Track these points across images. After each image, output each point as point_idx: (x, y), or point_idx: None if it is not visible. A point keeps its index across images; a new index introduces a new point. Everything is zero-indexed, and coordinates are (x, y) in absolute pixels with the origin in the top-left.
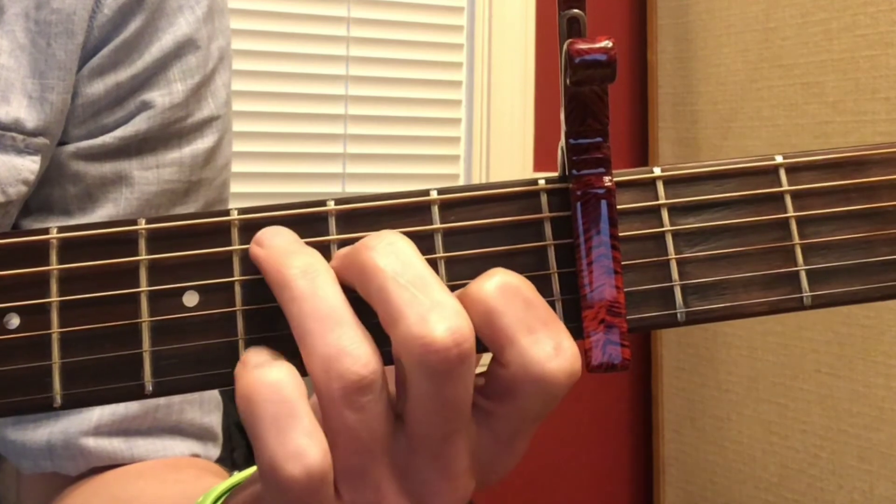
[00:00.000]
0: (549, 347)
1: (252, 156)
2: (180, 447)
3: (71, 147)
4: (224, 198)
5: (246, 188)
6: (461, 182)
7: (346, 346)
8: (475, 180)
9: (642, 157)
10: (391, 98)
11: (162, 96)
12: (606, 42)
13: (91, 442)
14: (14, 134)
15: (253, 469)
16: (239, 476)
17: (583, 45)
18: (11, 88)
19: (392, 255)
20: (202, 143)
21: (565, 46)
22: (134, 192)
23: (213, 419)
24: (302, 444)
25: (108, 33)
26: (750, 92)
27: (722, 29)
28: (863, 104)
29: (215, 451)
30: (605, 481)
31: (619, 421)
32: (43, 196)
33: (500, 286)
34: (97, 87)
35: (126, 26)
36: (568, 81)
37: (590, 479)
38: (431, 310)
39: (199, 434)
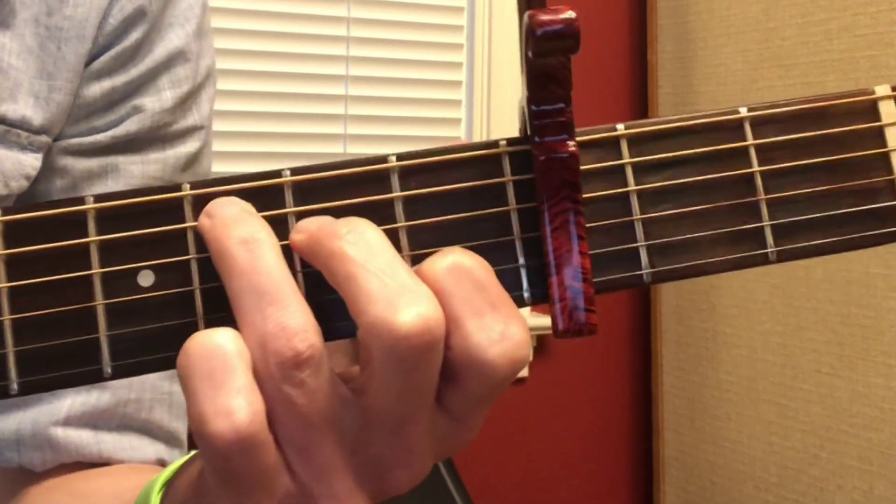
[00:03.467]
0: (494, 333)
1: (252, 156)
2: (148, 450)
3: (61, 143)
4: None
5: None
6: None
7: (283, 320)
8: None
9: None
10: (391, 98)
11: (152, 102)
12: (569, 13)
13: (60, 432)
14: (19, 131)
15: None
16: (192, 454)
17: (545, 17)
18: (19, 88)
19: (361, 244)
20: (185, 148)
21: (525, 17)
22: (119, 182)
23: (181, 426)
24: (232, 402)
25: (111, 40)
26: (750, 92)
27: (722, 29)
28: None
29: (181, 458)
30: (605, 481)
31: (619, 421)
32: (29, 189)
33: (451, 266)
34: (94, 90)
35: (128, 35)
36: (530, 54)
37: (590, 479)
38: (401, 295)
39: (167, 438)
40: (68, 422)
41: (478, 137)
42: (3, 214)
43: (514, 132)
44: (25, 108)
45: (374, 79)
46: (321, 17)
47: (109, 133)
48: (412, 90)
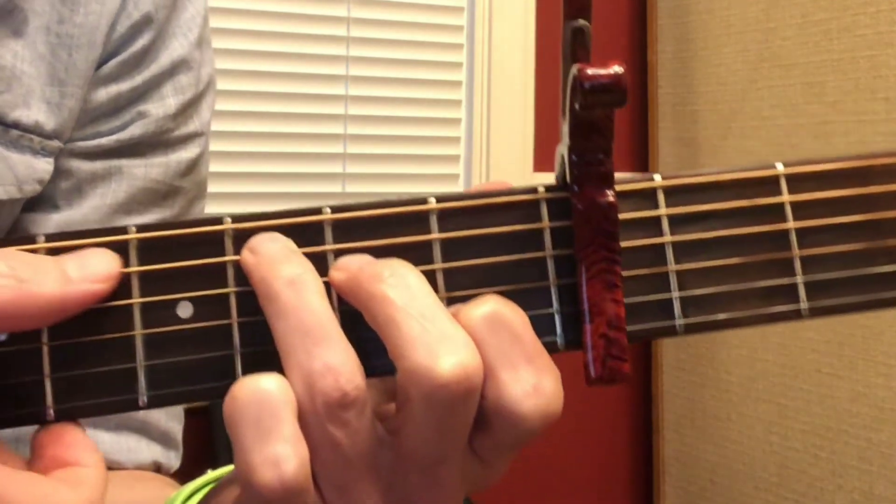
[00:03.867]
0: (528, 385)
1: (252, 156)
2: (145, 452)
3: (66, 146)
4: (193, 212)
5: (246, 188)
6: (461, 181)
7: (329, 361)
8: (475, 180)
9: (642, 157)
10: (391, 98)
11: (156, 108)
12: (616, 67)
13: None
14: (33, 136)
15: (227, 469)
16: (212, 475)
17: (592, 71)
18: (32, 94)
19: (402, 287)
20: (186, 154)
21: (574, 71)
22: (122, 184)
23: (176, 427)
24: (280, 452)
25: (118, 47)
26: (750, 92)
27: (722, 29)
28: (863, 104)
29: (176, 461)
30: (605, 481)
31: (619, 421)
32: None
33: (489, 315)
34: (100, 95)
35: (134, 42)
36: (577, 106)
37: (590, 479)
38: (441, 342)
39: (163, 439)
40: None
41: (477, 137)
42: (47, 241)
43: (514, 132)
44: (38, 114)
45: (374, 79)
46: (321, 17)
47: (114, 137)
48: (412, 90)
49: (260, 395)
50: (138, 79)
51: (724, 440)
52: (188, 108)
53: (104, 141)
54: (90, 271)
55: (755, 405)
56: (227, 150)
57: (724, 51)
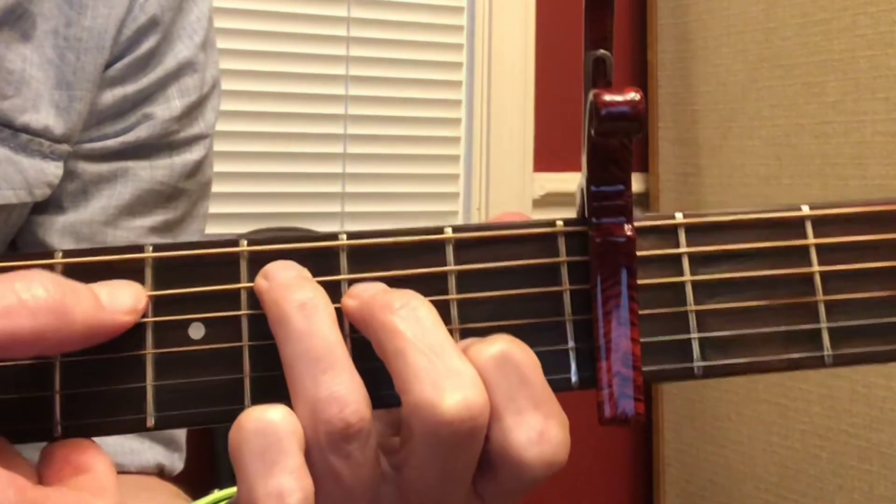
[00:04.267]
0: (533, 433)
1: (252, 156)
2: (148, 453)
3: (73, 148)
4: (197, 213)
5: (246, 188)
6: (461, 181)
7: (335, 390)
8: (475, 180)
9: (642, 157)
10: (391, 98)
11: (161, 110)
12: (633, 94)
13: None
14: (42, 140)
15: (230, 491)
16: (218, 494)
17: (609, 97)
18: (40, 98)
19: (413, 320)
20: (191, 156)
21: (591, 97)
22: (127, 186)
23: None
24: (285, 485)
25: (124, 49)
26: (750, 92)
27: (722, 29)
28: (863, 104)
29: (180, 463)
30: (605, 481)
31: None
32: None
33: (499, 356)
34: (106, 98)
35: (140, 45)
36: (593, 132)
37: (590, 479)
38: (448, 378)
39: (166, 441)
40: None
41: (477, 137)
42: (64, 257)
43: (514, 132)
44: (47, 118)
45: (374, 79)
46: (321, 17)
47: (120, 139)
48: (412, 90)
49: (266, 427)
50: (144, 81)
51: (724, 440)
52: (193, 110)
53: (110, 143)
54: (120, 302)
55: (755, 405)
56: (226, 150)
57: (724, 51)
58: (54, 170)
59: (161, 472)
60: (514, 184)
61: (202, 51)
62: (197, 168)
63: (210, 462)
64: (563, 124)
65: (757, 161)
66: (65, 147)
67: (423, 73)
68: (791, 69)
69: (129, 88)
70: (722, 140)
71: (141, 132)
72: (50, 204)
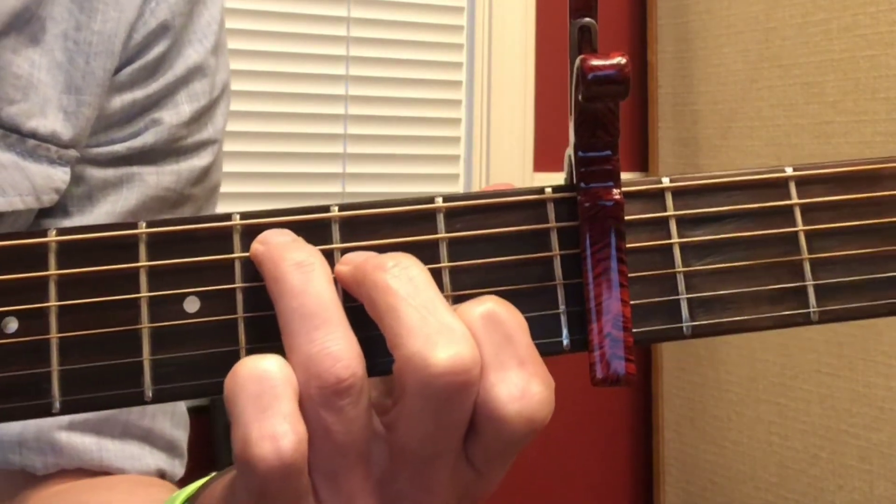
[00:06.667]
0: (515, 389)
1: (252, 156)
2: (149, 459)
3: (80, 153)
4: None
5: (246, 188)
6: (461, 182)
7: (328, 346)
8: (475, 180)
9: (642, 157)
10: (391, 98)
11: (170, 115)
12: (620, 59)
13: (63, 436)
14: (49, 145)
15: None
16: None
17: (596, 62)
18: (48, 103)
19: (405, 279)
20: (199, 161)
21: (577, 62)
22: (133, 192)
23: (181, 435)
24: (279, 428)
25: (134, 54)
26: (750, 92)
27: (722, 29)
28: (863, 104)
29: (181, 469)
30: (605, 481)
31: (619, 421)
32: None
33: (486, 314)
34: (115, 103)
35: (150, 50)
36: (580, 97)
37: (590, 479)
38: (439, 333)
39: (168, 447)
40: (72, 426)
41: (477, 137)
42: (58, 234)
43: (514, 132)
44: (55, 123)
45: (374, 79)
46: (321, 17)
47: (127, 144)
48: (412, 90)
49: (261, 373)
50: (154, 86)
51: (724, 440)
52: (202, 115)
53: (117, 148)
54: None
55: (755, 405)
56: (226, 149)
57: (724, 51)
58: (62, 175)
59: (162, 478)
60: (514, 184)
61: (213, 55)
62: (204, 174)
63: (207, 447)
64: (563, 124)
65: (757, 161)
66: (72, 153)
67: (423, 73)
68: (791, 69)
69: (139, 94)
70: (722, 140)
71: (148, 138)
72: (56, 208)
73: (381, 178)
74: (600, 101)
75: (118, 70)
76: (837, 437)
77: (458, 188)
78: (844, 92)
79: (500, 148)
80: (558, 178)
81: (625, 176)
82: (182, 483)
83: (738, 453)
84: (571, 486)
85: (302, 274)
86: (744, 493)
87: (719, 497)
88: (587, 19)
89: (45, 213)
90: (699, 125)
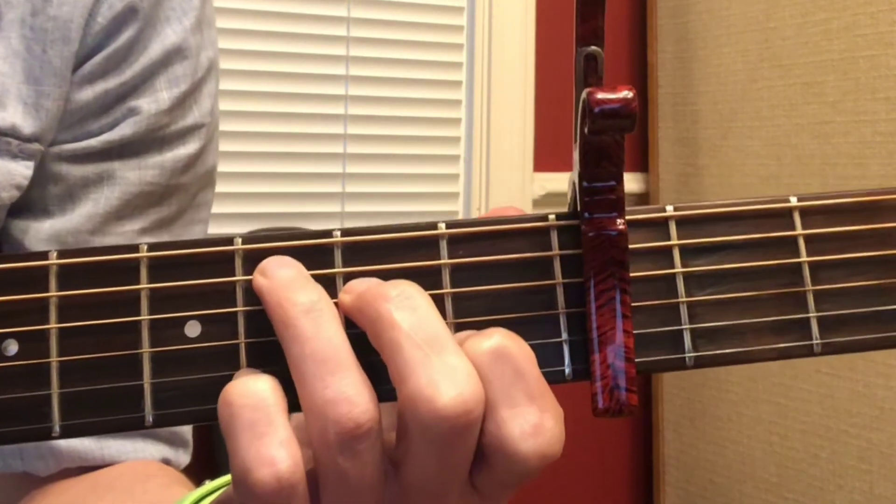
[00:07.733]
0: (527, 425)
1: (252, 156)
2: (151, 450)
3: (55, 149)
4: (198, 203)
5: (246, 188)
6: (461, 182)
7: (345, 391)
8: (475, 180)
9: (642, 157)
10: (391, 98)
11: (148, 103)
12: (626, 92)
13: (63, 441)
14: (9, 139)
15: (224, 479)
16: (210, 486)
17: (602, 95)
18: (7, 94)
19: (408, 310)
20: (184, 150)
21: (584, 95)
22: (115, 190)
23: (185, 426)
24: (275, 452)
25: (100, 41)
26: (750, 92)
27: (722, 29)
28: (863, 104)
29: (185, 457)
30: (605, 481)
31: (619, 421)
32: (22, 196)
33: (494, 349)
34: (86, 94)
35: (119, 36)
36: (586, 130)
37: (590, 479)
38: (443, 372)
39: (170, 438)
40: None
41: (477, 137)
42: (59, 257)
43: (514, 132)
44: (14, 116)
45: (374, 79)
46: (321, 17)
47: (103, 137)
48: (412, 90)
49: (255, 401)
50: (127, 73)
51: (724, 440)
52: (185, 99)
53: (93, 142)
54: None
55: (755, 405)
56: (226, 149)
57: (724, 51)
58: (23, 170)
59: (167, 464)
60: (514, 184)
61: (194, 33)
62: (194, 160)
63: (208, 455)
64: (563, 124)
65: (757, 161)
66: (35, 146)
67: (423, 73)
68: (791, 69)
69: (111, 82)
70: (722, 140)
71: (126, 129)
72: (36, 208)
73: (381, 178)
74: (606, 135)
75: (87, 59)
76: (837, 437)
77: (459, 188)
78: (844, 92)
79: (500, 148)
80: (558, 178)
81: (625, 176)
82: (186, 472)
83: (738, 453)
84: (571, 486)
85: (312, 320)
86: (744, 493)
87: (719, 497)
88: (593, 48)
89: (25, 214)
90: (699, 125)
